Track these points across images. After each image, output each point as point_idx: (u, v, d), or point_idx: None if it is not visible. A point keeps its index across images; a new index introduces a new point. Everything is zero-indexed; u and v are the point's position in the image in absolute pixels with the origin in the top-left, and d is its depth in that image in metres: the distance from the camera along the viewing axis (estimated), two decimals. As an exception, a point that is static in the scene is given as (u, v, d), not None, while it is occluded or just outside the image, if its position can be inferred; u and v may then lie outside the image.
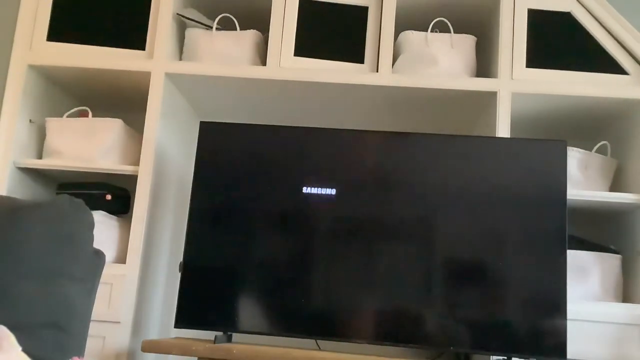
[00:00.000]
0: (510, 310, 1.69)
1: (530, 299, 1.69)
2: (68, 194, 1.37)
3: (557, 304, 1.67)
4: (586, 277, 1.87)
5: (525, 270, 1.70)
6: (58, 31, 2.02)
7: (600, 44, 1.94)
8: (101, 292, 1.73)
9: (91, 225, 1.21)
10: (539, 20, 1.97)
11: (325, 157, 1.81)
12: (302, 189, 1.79)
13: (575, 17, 1.96)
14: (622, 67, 1.93)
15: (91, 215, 1.22)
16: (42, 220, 1.12)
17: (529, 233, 1.72)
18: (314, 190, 1.79)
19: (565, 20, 1.97)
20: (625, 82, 1.92)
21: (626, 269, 1.93)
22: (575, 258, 1.85)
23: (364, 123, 2.27)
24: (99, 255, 1.26)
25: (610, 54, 1.94)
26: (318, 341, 1.79)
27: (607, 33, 1.95)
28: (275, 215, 1.78)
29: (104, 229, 1.89)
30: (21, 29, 2.00)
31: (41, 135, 2.06)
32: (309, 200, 1.79)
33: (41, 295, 1.09)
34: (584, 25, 1.95)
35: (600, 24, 1.95)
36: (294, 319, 1.72)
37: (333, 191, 1.79)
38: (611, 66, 1.93)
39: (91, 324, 1.34)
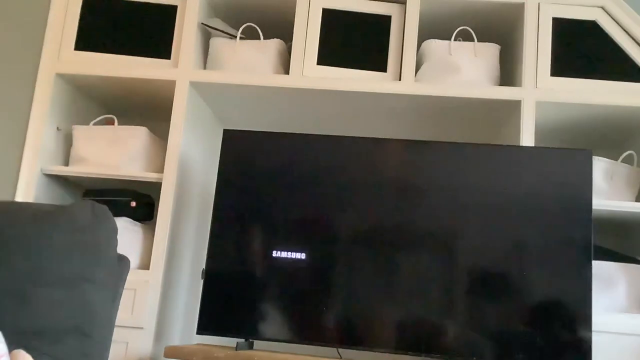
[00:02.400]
0: (534, 322, 1.67)
1: (554, 310, 1.66)
2: (93, 200, 1.39)
3: (582, 316, 1.64)
4: (612, 288, 1.84)
5: (550, 281, 1.68)
6: (85, 40, 2.05)
7: (626, 52, 1.92)
8: (125, 297, 1.74)
9: (114, 230, 1.22)
10: (563, 29, 1.95)
11: (348, 165, 1.81)
12: (325, 197, 1.80)
13: (601, 25, 1.94)
14: (649, 75, 1.91)
15: (114, 220, 1.23)
16: (65, 226, 1.14)
17: (553, 243, 1.70)
18: (337, 198, 1.79)
19: (590, 29, 1.95)
20: (653, 91, 1.90)
21: (653, 281, 1.89)
22: (600, 269, 1.83)
23: (387, 131, 2.27)
24: (123, 261, 1.27)
25: (637, 62, 1.91)
26: (339, 350, 1.78)
27: (633, 41, 1.92)
28: (298, 222, 1.79)
29: (128, 235, 1.91)
30: (49, 38, 2.04)
31: (68, 143, 2.10)
32: (332, 208, 1.79)
33: (64, 301, 1.10)
34: (609, 34, 1.93)
35: (627, 32, 1.93)
36: (316, 327, 1.72)
37: (357, 199, 1.79)
38: (638, 75, 1.91)
39: (114, 330, 1.35)
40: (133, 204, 2.01)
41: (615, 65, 1.92)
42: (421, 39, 2.02)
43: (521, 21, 1.99)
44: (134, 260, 1.91)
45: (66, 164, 2.09)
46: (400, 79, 1.96)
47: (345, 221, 1.78)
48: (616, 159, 1.95)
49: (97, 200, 1.38)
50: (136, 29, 2.06)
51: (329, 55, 2.00)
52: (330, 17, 2.02)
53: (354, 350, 1.73)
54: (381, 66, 1.99)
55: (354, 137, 1.84)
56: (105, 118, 2.12)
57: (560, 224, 1.71)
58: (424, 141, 1.85)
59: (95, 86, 2.11)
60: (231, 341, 1.71)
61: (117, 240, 1.23)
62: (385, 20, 2.02)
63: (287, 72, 2.03)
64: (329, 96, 2.01)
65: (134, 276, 1.79)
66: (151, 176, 1.96)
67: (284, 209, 1.80)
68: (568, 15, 1.96)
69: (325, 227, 1.78)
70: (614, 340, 1.73)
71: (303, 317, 1.73)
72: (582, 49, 1.94)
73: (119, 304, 1.30)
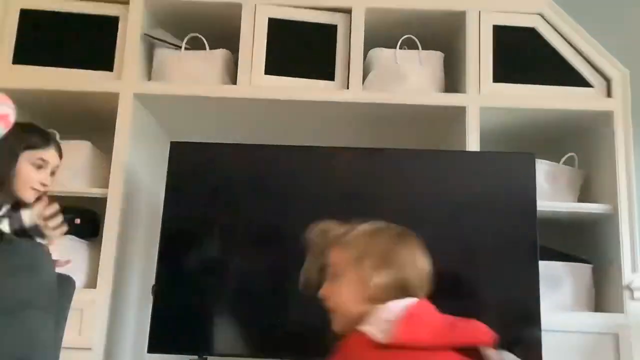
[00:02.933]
0: (484, 322, 1.69)
1: (504, 310, 1.69)
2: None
3: (531, 315, 1.68)
4: (558, 287, 1.88)
5: (498, 282, 1.71)
6: (24, 54, 1.99)
7: (565, 58, 1.99)
8: (71, 318, 1.68)
9: (45, 252, 1.17)
10: (504, 36, 2.00)
11: (296, 174, 1.81)
12: (274, 208, 1.78)
13: (540, 32, 2.00)
14: (587, 80, 1.97)
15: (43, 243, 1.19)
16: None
17: (500, 244, 1.74)
18: (287, 208, 1.78)
19: (530, 36, 2.00)
20: (590, 94, 1.96)
21: (597, 279, 1.95)
22: (547, 269, 1.87)
23: (336, 140, 2.26)
24: (68, 281, 1.23)
25: (575, 67, 1.98)
26: (294, 361, 1.77)
27: (571, 47, 1.99)
28: (248, 235, 1.77)
29: (73, 253, 1.84)
30: (-15, 51, 1.97)
31: (7, 159, 2.02)
32: (282, 219, 1.77)
33: (4, 328, 1.05)
34: (548, 41, 1.99)
35: (564, 38, 1.99)
36: (269, 340, 1.70)
37: (307, 208, 1.78)
38: (576, 80, 1.98)
39: (61, 352, 1.30)
40: (77, 220, 1.94)
41: (555, 71, 1.98)
42: (367, 47, 2.03)
43: (463, 29, 2.03)
44: (80, 279, 1.85)
45: (5, 181, 2.01)
46: (348, 88, 1.97)
47: (297, 231, 1.77)
48: (558, 162, 2.01)
49: (39, 218, 1.32)
50: (77, 41, 2.01)
51: (276, 64, 1.99)
52: (277, 27, 2.02)
53: (310, 361, 1.71)
54: (329, 75, 2.00)
55: (303, 146, 1.84)
56: (46, 133, 2.05)
57: (506, 226, 1.74)
58: (373, 148, 1.86)
59: (35, 100, 2.03)
60: (184, 359, 1.67)
61: (52, 261, 1.18)
62: (331, 30, 2.03)
63: (234, 82, 2.01)
64: (277, 106, 2.00)
65: (80, 295, 1.72)
66: (96, 192, 1.90)
67: (234, 221, 1.77)
68: (508, 23, 2.01)
69: (277, 238, 1.77)
70: (563, 338, 1.77)
71: (256, 330, 1.70)
72: (522, 56, 2.00)
73: (65, 326, 1.25)
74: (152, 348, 1.70)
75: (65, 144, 1.94)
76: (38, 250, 1.14)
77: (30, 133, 1.42)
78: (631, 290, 1.82)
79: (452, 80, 2.12)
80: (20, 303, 1.07)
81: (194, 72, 2.00)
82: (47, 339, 1.13)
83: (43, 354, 1.12)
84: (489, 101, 1.94)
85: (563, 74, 1.98)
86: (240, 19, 2.01)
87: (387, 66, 2.00)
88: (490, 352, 1.04)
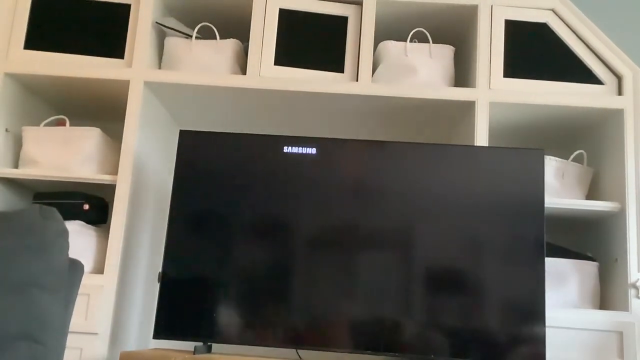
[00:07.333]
0: (490, 318, 1.70)
1: (509, 306, 1.70)
2: (44, 203, 1.35)
3: (535, 312, 1.68)
4: (564, 284, 1.89)
5: (504, 278, 1.71)
6: (35, 39, 2.00)
7: (576, 54, 1.98)
8: (78, 303, 1.70)
9: (63, 233, 1.17)
10: (515, 31, 1.99)
11: (304, 166, 1.81)
12: (282, 198, 1.79)
13: (552, 28, 1.99)
14: (598, 77, 1.96)
15: (63, 223, 1.19)
16: (11, 230, 1.09)
17: (507, 241, 1.74)
18: (294, 199, 1.79)
19: (541, 31, 2.00)
20: (601, 91, 1.96)
21: (602, 276, 1.95)
22: (553, 265, 1.87)
23: (344, 132, 2.28)
24: (76, 265, 1.24)
25: (586, 64, 1.97)
26: (299, 351, 1.78)
27: (582, 44, 1.98)
28: (256, 225, 1.78)
29: (81, 239, 1.86)
30: (-3, 36, 1.98)
31: (17, 145, 2.04)
32: (289, 209, 1.78)
33: (12, 307, 1.06)
34: (560, 36, 1.99)
35: (576, 34, 1.98)
36: (275, 329, 1.71)
37: (314, 199, 1.79)
38: (587, 76, 1.97)
39: (68, 336, 1.32)
40: (86, 206, 1.96)
41: (566, 67, 1.97)
42: (377, 40, 2.03)
43: (474, 23, 2.02)
44: (88, 265, 1.87)
45: (16, 166, 2.03)
46: (357, 80, 1.97)
47: (303, 222, 1.78)
48: (567, 158, 2.00)
49: (49, 203, 1.33)
50: (88, 28, 2.02)
51: (286, 55, 1.99)
52: (287, 18, 2.02)
53: (314, 351, 1.72)
54: (338, 67, 2.00)
55: (312, 137, 1.84)
56: (56, 119, 2.07)
57: (513, 222, 1.74)
58: (381, 141, 1.86)
59: (46, 86, 2.05)
60: (189, 345, 1.69)
61: (67, 243, 1.19)
62: (341, 21, 2.03)
63: (244, 72, 2.02)
64: (286, 96, 2.00)
65: (87, 280, 1.75)
66: (105, 178, 1.91)
67: (241, 210, 1.78)
68: (520, 18, 2.00)
69: (283, 228, 1.78)
70: (567, 335, 1.77)
71: (261, 319, 1.72)
72: (533, 51, 1.99)
73: (72, 310, 1.26)
74: (158, 334, 1.72)
75: (75, 130, 1.97)
76: (52, 229, 1.15)
77: None
78: (637, 288, 1.81)
79: (462, 74, 2.11)
80: (28, 282, 1.08)
81: (204, 62, 2.00)
82: (57, 319, 1.15)
83: (54, 333, 1.13)
84: (499, 96, 1.94)
85: (574, 70, 1.97)
86: (251, 9, 2.01)
87: (397, 59, 2.00)
88: None
